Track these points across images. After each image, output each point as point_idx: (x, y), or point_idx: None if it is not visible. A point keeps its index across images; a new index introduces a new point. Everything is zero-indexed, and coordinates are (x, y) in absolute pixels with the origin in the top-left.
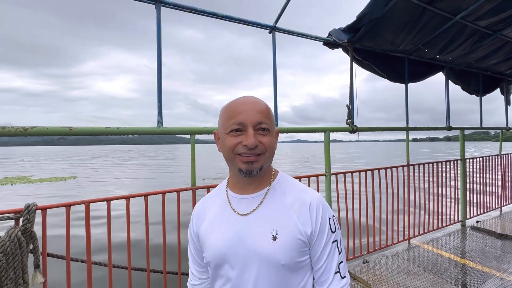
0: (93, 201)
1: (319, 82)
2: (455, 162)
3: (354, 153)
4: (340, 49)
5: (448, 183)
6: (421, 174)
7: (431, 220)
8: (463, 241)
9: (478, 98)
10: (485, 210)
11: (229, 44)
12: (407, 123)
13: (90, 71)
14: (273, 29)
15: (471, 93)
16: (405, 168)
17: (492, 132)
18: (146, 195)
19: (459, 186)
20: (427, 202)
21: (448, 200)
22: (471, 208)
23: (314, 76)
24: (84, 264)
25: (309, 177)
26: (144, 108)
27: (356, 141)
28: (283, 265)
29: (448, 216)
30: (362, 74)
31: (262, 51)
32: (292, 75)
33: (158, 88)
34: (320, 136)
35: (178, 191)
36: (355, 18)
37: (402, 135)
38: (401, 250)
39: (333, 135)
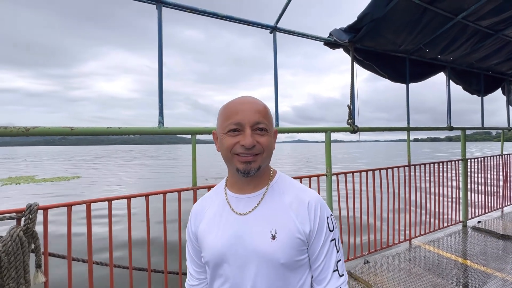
0: (94, 201)
1: (320, 82)
2: (457, 162)
3: (355, 153)
4: (341, 49)
5: (449, 184)
6: (422, 174)
7: (432, 221)
8: (464, 241)
9: (480, 98)
10: (487, 211)
11: (229, 44)
12: (408, 123)
13: (91, 71)
14: (274, 29)
15: (472, 93)
16: (406, 168)
17: (493, 132)
18: (147, 195)
19: (461, 187)
20: (428, 202)
21: (450, 200)
22: (473, 208)
23: (315, 76)
24: (85, 263)
25: (310, 177)
26: (145, 108)
27: (357, 141)
28: (282, 264)
29: (449, 217)
30: (363, 74)
31: (262, 51)
32: (293, 75)
33: (159, 88)
34: (321, 136)
35: (179, 191)
36: (356, 18)
37: (403, 135)
38: (402, 251)
39: (334, 135)
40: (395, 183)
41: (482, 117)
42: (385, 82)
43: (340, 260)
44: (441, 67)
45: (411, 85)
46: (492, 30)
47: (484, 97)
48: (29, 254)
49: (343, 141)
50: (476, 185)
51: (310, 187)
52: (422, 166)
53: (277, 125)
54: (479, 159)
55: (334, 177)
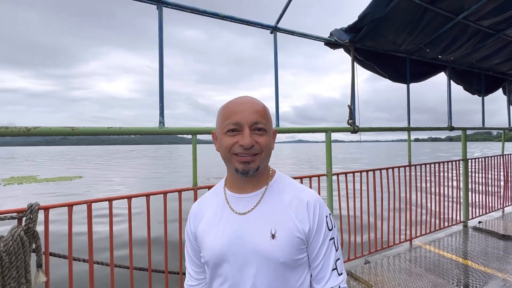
0: (95, 201)
1: (321, 82)
2: (457, 162)
3: (356, 153)
4: (341, 49)
5: (450, 184)
6: (423, 174)
7: (433, 221)
8: (465, 241)
9: (480, 98)
10: (488, 211)
11: (230, 44)
12: (409, 123)
13: (92, 71)
14: (274, 29)
15: (473, 93)
16: (407, 168)
17: (494, 132)
18: (147, 195)
19: (461, 187)
20: (429, 202)
21: (450, 200)
22: (473, 208)
23: (315, 76)
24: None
25: (310, 177)
26: (146, 108)
27: (358, 141)
28: (282, 262)
29: (450, 217)
30: (363, 74)
31: (263, 52)
32: (294, 75)
33: (159, 88)
34: (321, 136)
35: (179, 191)
36: (356, 18)
37: (403, 135)
38: (403, 251)
39: (334, 135)
40: (396, 183)
41: (483, 117)
42: (386, 82)
43: (339, 259)
44: (442, 67)
45: (412, 85)
46: (493, 30)
47: (485, 97)
48: (30, 254)
49: (343, 141)
50: (476, 185)
51: (310, 187)
52: (423, 166)
53: (277, 125)
54: (480, 159)
55: (334, 177)
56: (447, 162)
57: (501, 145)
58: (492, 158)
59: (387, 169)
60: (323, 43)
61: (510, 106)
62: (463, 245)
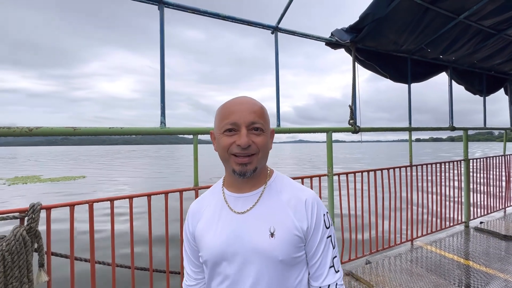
0: (97, 201)
1: (321, 82)
2: (459, 162)
3: (357, 153)
4: (342, 49)
5: (451, 184)
6: (424, 174)
7: (434, 221)
8: (466, 242)
9: (482, 98)
10: (489, 211)
11: (231, 45)
12: (410, 123)
13: (93, 71)
14: (275, 29)
15: (474, 93)
16: (408, 168)
17: (496, 132)
18: (149, 195)
19: (463, 187)
20: (430, 202)
21: (452, 200)
22: (475, 209)
23: (316, 76)
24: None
25: (311, 177)
26: (147, 108)
27: (359, 141)
28: (281, 260)
29: (451, 217)
30: (364, 74)
31: (264, 52)
32: (294, 75)
33: (161, 89)
34: (322, 136)
35: (181, 191)
36: (357, 18)
37: (405, 135)
38: (404, 251)
39: (335, 136)
40: (397, 183)
41: (485, 117)
42: (387, 82)
43: (335, 256)
44: (443, 67)
45: (413, 85)
46: (495, 30)
47: (487, 97)
48: (32, 254)
49: (344, 141)
50: (478, 186)
51: (311, 187)
52: (424, 166)
53: (278, 125)
54: (482, 159)
55: (335, 177)
56: (449, 162)
57: (502, 145)
58: (494, 158)
59: (388, 169)
60: (324, 43)
61: None
62: (465, 245)
